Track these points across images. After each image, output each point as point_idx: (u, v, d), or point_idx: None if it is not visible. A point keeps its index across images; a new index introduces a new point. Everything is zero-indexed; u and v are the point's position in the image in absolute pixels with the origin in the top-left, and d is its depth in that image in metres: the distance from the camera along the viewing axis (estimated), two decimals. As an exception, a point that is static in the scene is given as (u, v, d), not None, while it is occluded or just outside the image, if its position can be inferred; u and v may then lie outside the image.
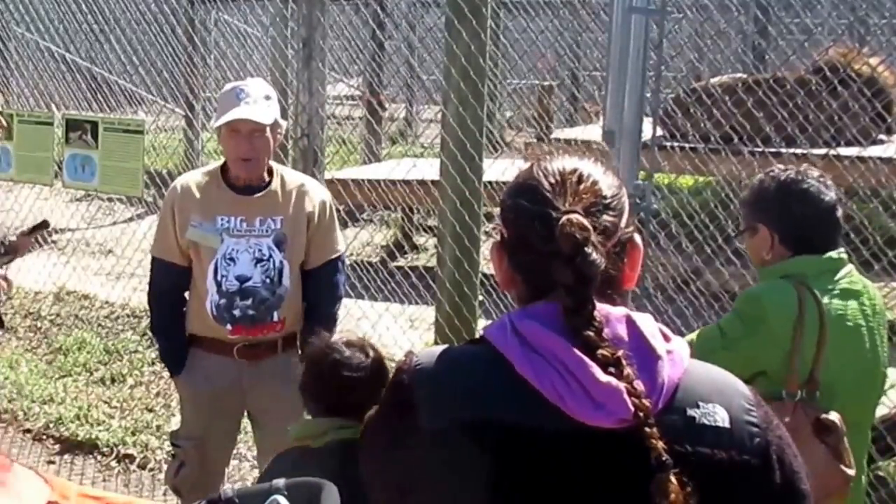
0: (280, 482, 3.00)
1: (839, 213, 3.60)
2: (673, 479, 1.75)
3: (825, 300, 3.46)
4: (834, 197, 3.58)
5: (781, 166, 3.72)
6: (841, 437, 3.35)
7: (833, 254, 3.56)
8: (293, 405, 4.79)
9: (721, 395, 1.89)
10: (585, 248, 1.84)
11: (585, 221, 1.86)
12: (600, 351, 1.81)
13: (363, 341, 3.78)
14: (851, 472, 3.34)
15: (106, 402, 7.48)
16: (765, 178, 3.64)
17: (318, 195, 4.81)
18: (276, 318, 4.65)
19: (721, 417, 1.85)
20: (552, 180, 1.94)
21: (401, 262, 10.92)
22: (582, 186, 1.93)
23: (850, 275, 3.58)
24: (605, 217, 1.91)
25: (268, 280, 4.61)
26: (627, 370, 1.80)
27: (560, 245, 1.85)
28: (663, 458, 1.76)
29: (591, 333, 1.83)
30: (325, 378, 3.57)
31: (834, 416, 3.34)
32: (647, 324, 1.90)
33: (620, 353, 1.82)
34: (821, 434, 3.30)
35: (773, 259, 3.59)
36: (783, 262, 3.56)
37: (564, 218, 1.86)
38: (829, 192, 3.56)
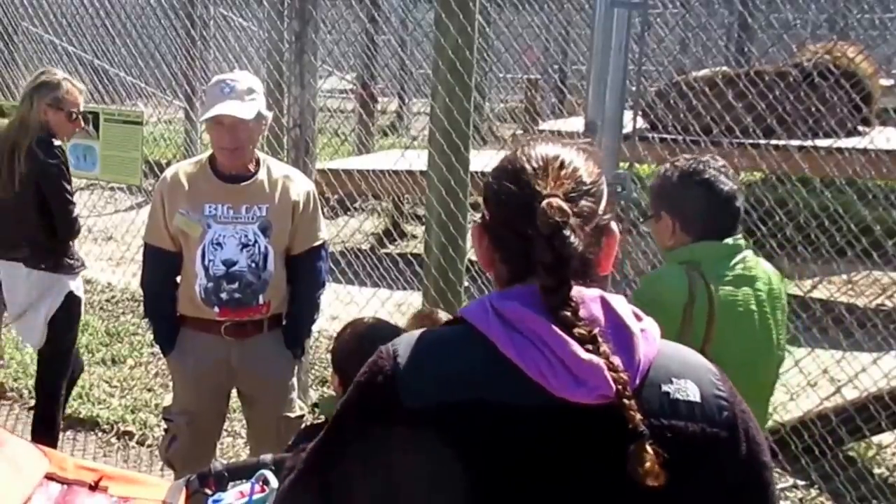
0: (267, 457, 3.14)
1: (739, 202, 3.73)
2: (648, 448, 1.79)
3: (718, 285, 3.59)
4: (734, 186, 3.71)
5: (687, 156, 3.84)
6: None
7: (729, 241, 3.69)
8: (280, 383, 4.99)
9: (692, 371, 1.93)
10: (564, 231, 1.88)
11: (565, 205, 1.90)
12: (577, 329, 1.84)
13: (394, 325, 3.91)
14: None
15: (107, 382, 7.66)
16: (668, 168, 3.76)
17: (303, 185, 4.93)
18: (261, 301, 4.78)
19: (693, 392, 1.89)
20: (535, 164, 1.98)
21: (389, 248, 11.02)
22: (563, 172, 1.96)
23: (744, 261, 3.70)
24: (583, 202, 1.94)
25: (253, 264, 4.72)
26: (604, 347, 1.83)
27: (540, 227, 1.89)
28: (639, 429, 1.80)
29: (568, 313, 1.86)
30: (355, 355, 3.54)
31: None
32: (621, 304, 1.94)
33: (597, 330, 1.85)
34: None
35: (674, 245, 3.73)
36: (682, 249, 3.69)
37: (545, 202, 1.90)
38: (729, 182, 3.69)
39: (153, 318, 5.07)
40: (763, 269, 3.78)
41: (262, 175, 4.82)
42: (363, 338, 3.88)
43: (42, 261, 5.84)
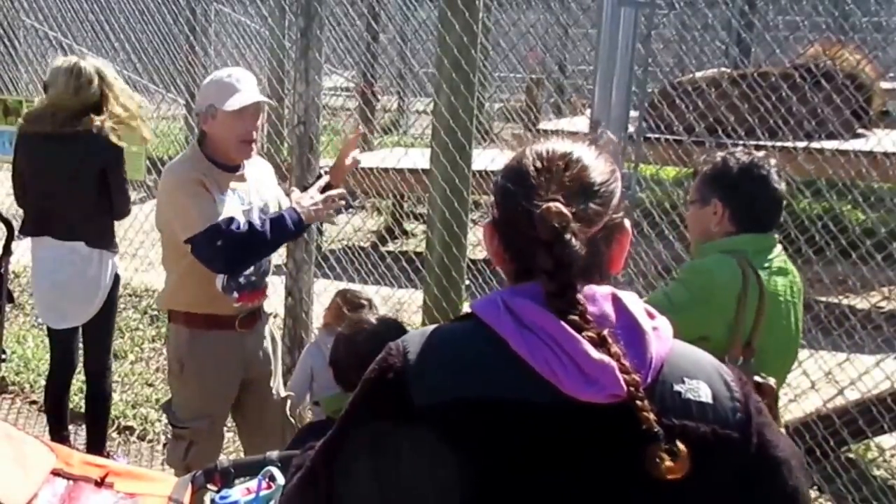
0: (273, 454, 3.13)
1: (784, 202, 3.91)
2: (664, 448, 1.79)
3: (763, 275, 3.73)
4: (784, 187, 3.87)
5: (745, 150, 3.97)
6: (775, 401, 3.62)
7: (770, 234, 3.87)
8: (276, 364, 5.16)
9: (704, 372, 1.92)
10: (564, 236, 1.86)
11: (565, 210, 1.88)
12: (586, 333, 1.83)
13: (392, 321, 3.93)
14: (783, 431, 3.63)
15: (108, 377, 7.67)
16: (729, 158, 3.85)
17: (268, 164, 5.21)
18: (266, 282, 4.94)
19: (705, 393, 1.88)
20: (538, 166, 1.95)
21: (391, 247, 11.09)
22: (568, 173, 1.94)
23: (781, 254, 3.87)
24: (589, 204, 1.92)
25: None
26: (615, 348, 1.82)
27: (539, 232, 1.88)
28: (654, 430, 1.79)
29: (576, 317, 1.85)
30: (361, 354, 3.46)
31: (770, 380, 3.59)
32: (633, 301, 1.93)
33: (606, 332, 1.84)
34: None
35: (717, 232, 3.84)
36: (727, 239, 3.82)
37: (544, 206, 1.88)
38: (782, 182, 3.85)
39: (272, 231, 4.64)
40: (789, 263, 3.93)
41: (246, 163, 4.91)
42: (359, 336, 3.91)
43: (99, 240, 6.00)
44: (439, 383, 1.88)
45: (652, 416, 1.80)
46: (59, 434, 6.19)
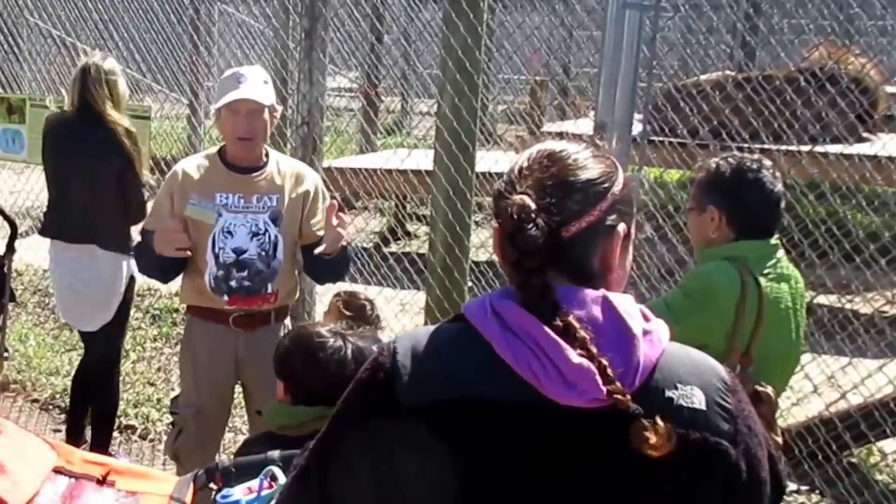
0: (275, 454, 3.12)
1: (783, 204, 3.86)
2: (647, 423, 1.79)
3: (763, 282, 3.70)
4: (781, 189, 3.84)
5: (738, 154, 3.95)
6: (774, 408, 3.63)
7: (772, 240, 3.83)
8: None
9: (699, 378, 1.91)
10: (524, 226, 1.85)
11: (529, 201, 1.87)
12: (567, 335, 1.83)
13: (338, 331, 3.59)
14: (779, 440, 3.64)
15: (109, 376, 7.66)
16: (722, 163, 3.84)
17: (314, 177, 5.04)
18: (269, 289, 4.83)
19: (698, 399, 1.87)
20: (524, 164, 1.96)
21: (393, 248, 11.11)
22: (552, 169, 1.93)
23: (782, 259, 3.85)
24: (567, 201, 1.90)
25: (263, 252, 4.77)
26: (597, 352, 1.82)
27: (503, 224, 1.90)
28: (632, 409, 1.79)
29: (558, 320, 1.85)
30: (318, 364, 3.44)
31: (769, 389, 3.60)
32: (626, 304, 1.90)
33: (582, 332, 1.83)
34: (756, 404, 3.55)
35: (717, 239, 3.81)
36: (728, 245, 3.79)
37: (510, 199, 1.89)
38: (778, 183, 3.82)
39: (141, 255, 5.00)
40: (792, 268, 3.91)
41: (271, 166, 4.88)
42: (306, 346, 3.66)
43: (115, 243, 5.99)
44: (425, 384, 1.90)
45: (630, 402, 1.80)
46: (75, 436, 6.18)
